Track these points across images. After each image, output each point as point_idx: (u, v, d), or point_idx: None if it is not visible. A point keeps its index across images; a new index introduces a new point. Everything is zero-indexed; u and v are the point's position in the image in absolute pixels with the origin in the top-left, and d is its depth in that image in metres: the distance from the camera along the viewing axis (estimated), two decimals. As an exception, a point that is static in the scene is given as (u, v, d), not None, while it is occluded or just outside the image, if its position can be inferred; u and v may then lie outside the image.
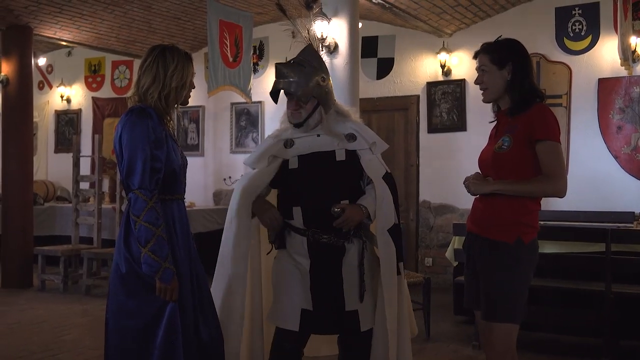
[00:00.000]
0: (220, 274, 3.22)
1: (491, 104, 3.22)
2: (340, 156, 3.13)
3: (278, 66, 3.18)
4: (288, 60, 3.24)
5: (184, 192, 3.14)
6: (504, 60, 3.03)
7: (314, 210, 3.07)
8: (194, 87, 3.13)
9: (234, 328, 3.10)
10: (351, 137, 3.17)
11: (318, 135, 3.16)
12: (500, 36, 3.18)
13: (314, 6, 3.28)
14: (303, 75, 3.11)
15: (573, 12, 7.73)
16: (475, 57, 3.17)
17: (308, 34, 3.23)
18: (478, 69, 3.12)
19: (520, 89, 3.02)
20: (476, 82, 3.16)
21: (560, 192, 2.95)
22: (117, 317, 2.91)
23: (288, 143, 3.18)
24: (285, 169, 3.17)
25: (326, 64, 6.53)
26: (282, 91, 3.21)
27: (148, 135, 2.85)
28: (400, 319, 3.16)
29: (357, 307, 3.11)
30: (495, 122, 3.20)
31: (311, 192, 3.09)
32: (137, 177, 2.80)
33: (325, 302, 3.09)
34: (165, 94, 2.98)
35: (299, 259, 3.13)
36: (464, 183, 3.10)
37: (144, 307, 2.84)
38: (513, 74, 3.02)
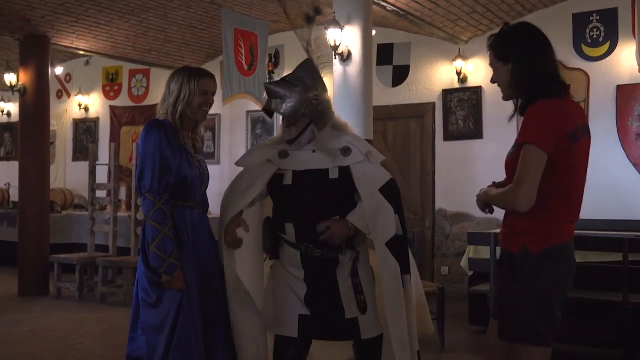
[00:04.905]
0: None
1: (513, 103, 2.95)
2: (334, 174, 3.11)
3: (267, 86, 3.18)
4: (281, 77, 3.23)
5: (201, 202, 3.30)
6: (508, 55, 2.77)
7: (306, 226, 3.08)
8: (208, 102, 3.25)
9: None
10: (346, 151, 3.13)
11: (313, 151, 3.14)
12: (506, 24, 2.89)
13: (316, 19, 3.21)
14: (293, 94, 3.08)
15: (590, 18, 7.64)
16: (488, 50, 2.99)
17: (308, 46, 3.18)
18: (490, 65, 2.91)
19: (519, 85, 2.76)
20: (491, 80, 2.94)
21: (516, 205, 2.60)
22: (145, 310, 3.14)
23: (282, 154, 3.18)
24: (279, 183, 3.16)
25: (339, 72, 6.56)
26: None
27: (160, 143, 3.08)
28: (409, 333, 3.11)
29: (356, 314, 3.10)
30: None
31: (303, 209, 3.10)
32: (147, 181, 3.08)
33: (322, 309, 3.10)
34: (168, 109, 3.20)
35: (292, 271, 3.15)
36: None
37: (163, 302, 3.09)
38: (512, 68, 2.75)
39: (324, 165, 3.11)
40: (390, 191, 3.14)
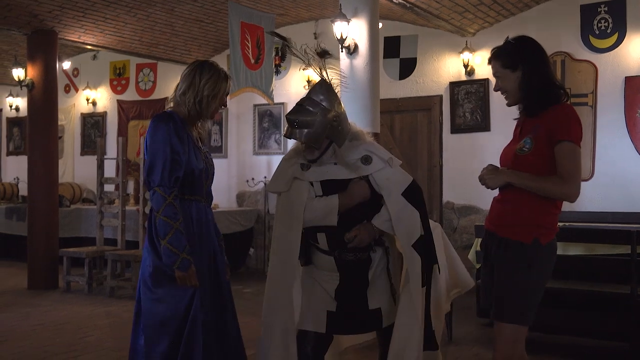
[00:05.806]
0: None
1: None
2: None
3: (288, 117, 3.15)
4: (297, 102, 3.19)
5: (207, 195, 3.33)
6: (515, 63, 3.00)
7: (336, 235, 3.16)
8: (225, 105, 3.34)
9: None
10: (366, 160, 3.16)
11: (335, 163, 3.18)
12: (507, 37, 3.12)
13: (328, 55, 3.22)
14: (313, 121, 3.09)
15: (599, 9, 7.59)
16: (489, 63, 3.13)
17: (320, 71, 3.18)
18: (494, 75, 3.10)
19: (530, 90, 2.98)
20: (495, 89, 3.16)
21: (570, 196, 2.89)
22: (149, 305, 3.11)
23: (305, 166, 3.21)
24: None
25: (346, 65, 6.54)
26: None
27: (169, 137, 3.06)
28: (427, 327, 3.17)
29: (379, 304, 3.21)
30: (518, 120, 3.16)
31: None
32: (157, 175, 3.04)
33: (348, 302, 3.19)
34: (199, 99, 3.19)
35: (328, 273, 3.24)
36: (479, 178, 3.04)
37: (170, 297, 3.06)
38: (523, 75, 2.99)
39: (347, 175, 3.15)
40: (413, 193, 3.17)
